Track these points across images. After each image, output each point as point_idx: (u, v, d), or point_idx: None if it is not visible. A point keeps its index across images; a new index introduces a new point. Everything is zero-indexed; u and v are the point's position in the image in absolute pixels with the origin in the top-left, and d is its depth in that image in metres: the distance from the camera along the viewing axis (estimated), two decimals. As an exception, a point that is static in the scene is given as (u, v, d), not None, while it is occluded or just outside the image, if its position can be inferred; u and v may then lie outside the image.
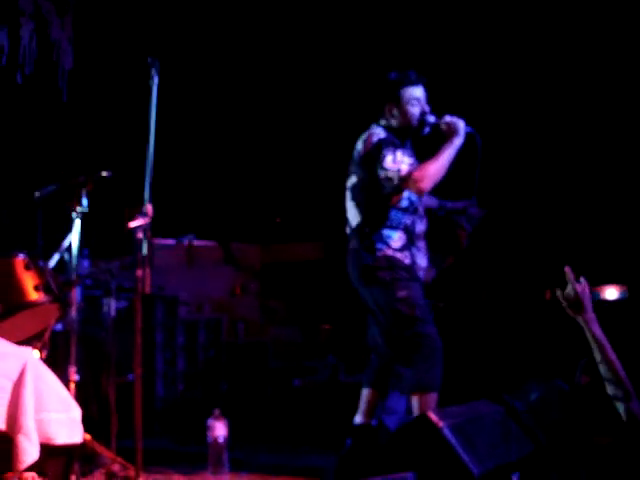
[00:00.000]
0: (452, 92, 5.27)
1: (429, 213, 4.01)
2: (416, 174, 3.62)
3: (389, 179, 3.65)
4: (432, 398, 3.63)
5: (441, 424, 3.08)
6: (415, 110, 3.79)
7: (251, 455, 4.63)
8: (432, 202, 4.06)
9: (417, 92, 3.80)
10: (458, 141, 3.70)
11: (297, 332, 6.63)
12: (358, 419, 3.92)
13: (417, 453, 3.15)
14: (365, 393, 3.93)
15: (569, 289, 2.83)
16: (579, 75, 6.02)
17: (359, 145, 3.83)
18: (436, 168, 3.66)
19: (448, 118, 3.75)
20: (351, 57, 6.67)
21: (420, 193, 3.70)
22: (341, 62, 6.80)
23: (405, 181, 3.63)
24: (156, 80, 3.59)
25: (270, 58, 7.05)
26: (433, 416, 3.11)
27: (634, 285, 6.79)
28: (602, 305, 6.92)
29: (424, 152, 3.82)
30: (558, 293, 2.96)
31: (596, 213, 6.30)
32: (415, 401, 3.63)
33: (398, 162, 3.65)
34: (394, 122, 3.83)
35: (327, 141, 6.81)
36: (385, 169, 3.66)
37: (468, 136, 3.77)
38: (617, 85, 5.95)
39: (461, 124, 3.72)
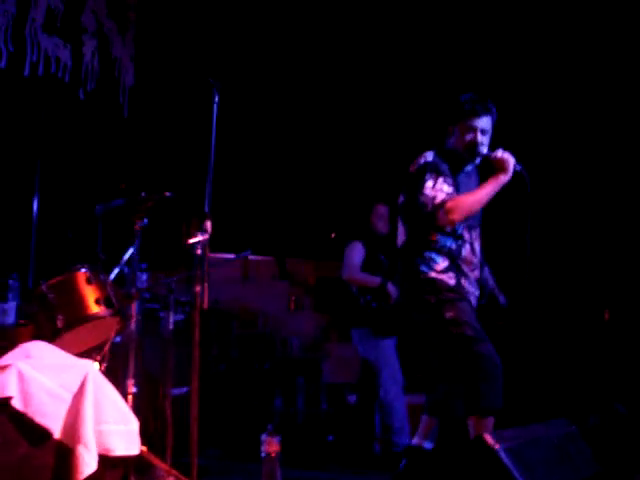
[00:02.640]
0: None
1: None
2: (449, 204, 3.58)
3: (424, 205, 3.63)
4: (489, 421, 3.55)
5: (497, 446, 3.04)
6: (471, 138, 3.73)
7: (303, 472, 4.63)
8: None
9: (480, 122, 3.73)
10: (504, 178, 3.65)
11: (350, 348, 6.60)
12: (415, 440, 3.89)
13: (474, 476, 3.11)
14: (424, 418, 3.90)
15: None
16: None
17: (411, 165, 3.82)
18: (472, 202, 3.64)
19: (500, 153, 3.68)
20: (417, 78, 6.70)
21: (450, 224, 3.64)
22: (405, 82, 6.83)
23: (438, 209, 3.60)
24: (217, 99, 3.65)
25: (331, 77, 7.10)
26: (489, 438, 3.07)
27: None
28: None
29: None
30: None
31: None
32: (472, 424, 3.56)
33: (437, 189, 3.62)
34: (450, 145, 3.81)
35: (384, 159, 6.83)
36: (423, 194, 3.64)
37: (516, 175, 3.70)
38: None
39: (511, 161, 3.66)
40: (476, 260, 3.84)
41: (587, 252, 6.43)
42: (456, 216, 3.59)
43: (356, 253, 5.33)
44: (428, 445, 3.84)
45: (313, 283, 7.37)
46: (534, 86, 6.45)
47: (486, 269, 4.08)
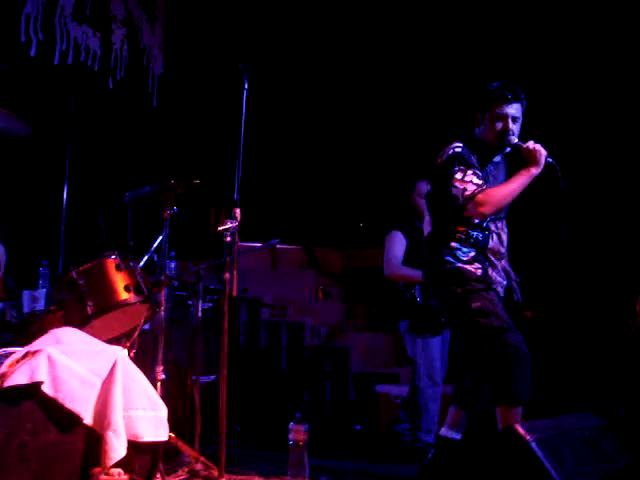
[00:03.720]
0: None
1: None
2: (480, 197, 3.53)
3: (455, 197, 3.59)
4: (517, 411, 3.51)
5: (528, 437, 3.01)
6: (502, 126, 3.67)
7: (331, 460, 4.63)
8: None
9: (510, 109, 3.67)
10: (535, 171, 3.59)
11: (379, 338, 6.60)
12: (443, 430, 3.87)
13: (503, 466, 3.08)
14: (452, 409, 3.87)
15: None
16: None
17: (438, 156, 3.79)
18: (503, 194, 3.58)
19: (532, 144, 3.62)
20: (444, 68, 6.65)
21: (481, 217, 3.60)
22: (432, 71, 6.78)
23: (468, 202, 3.55)
24: (246, 86, 3.64)
25: (358, 66, 7.07)
26: (520, 429, 3.03)
27: None
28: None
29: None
30: None
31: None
32: (500, 414, 3.52)
33: (466, 181, 3.57)
34: (479, 134, 3.76)
35: (413, 148, 6.79)
36: (453, 185, 3.60)
37: (548, 167, 3.65)
38: None
39: (543, 153, 3.60)
40: (503, 250, 3.80)
41: (622, 246, 6.35)
42: (487, 209, 3.55)
43: (397, 245, 5.02)
44: (456, 436, 3.82)
45: (341, 272, 7.37)
46: (563, 79, 6.37)
47: (505, 262, 4.02)
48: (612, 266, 6.27)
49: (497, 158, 3.81)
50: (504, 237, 3.82)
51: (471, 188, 3.55)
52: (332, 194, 7.47)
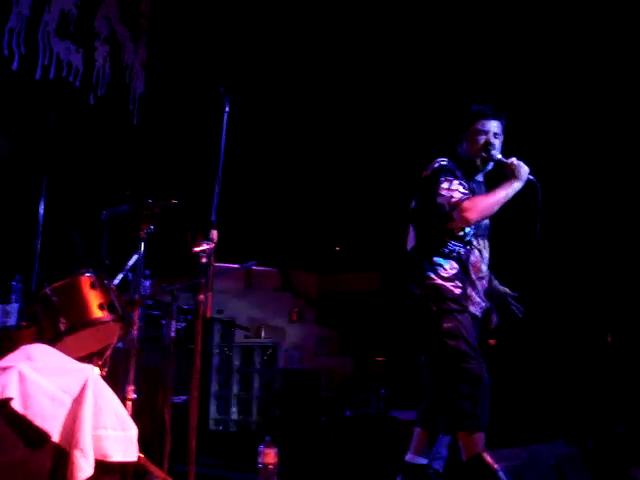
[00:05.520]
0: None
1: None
2: (466, 204, 3.59)
3: (441, 205, 3.64)
4: (479, 438, 3.53)
5: (496, 466, 3.02)
6: (484, 140, 3.77)
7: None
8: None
9: (490, 125, 3.78)
10: (517, 185, 3.66)
11: (351, 363, 6.60)
12: (409, 456, 3.86)
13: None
14: (417, 431, 3.88)
15: None
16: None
17: (424, 170, 3.84)
18: (487, 203, 3.64)
19: (514, 160, 3.70)
20: (424, 88, 6.71)
21: (466, 224, 3.64)
22: (406, 95, 6.85)
23: (454, 208, 3.60)
24: (227, 109, 3.66)
25: (339, 89, 7.12)
26: (488, 457, 3.04)
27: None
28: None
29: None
30: None
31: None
32: (461, 440, 3.55)
33: (452, 189, 3.63)
34: (462, 153, 3.83)
35: (389, 173, 6.84)
36: (440, 194, 3.65)
37: (530, 184, 3.71)
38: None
39: (525, 169, 3.67)
40: (485, 269, 3.84)
41: (590, 273, 6.42)
42: (473, 215, 3.60)
43: None
44: (421, 460, 3.81)
45: (316, 296, 7.38)
46: (541, 96, 6.46)
47: (495, 280, 4.05)
48: (584, 296, 6.33)
49: (479, 177, 3.87)
50: (486, 255, 3.86)
51: (457, 195, 3.62)
52: (309, 217, 7.50)
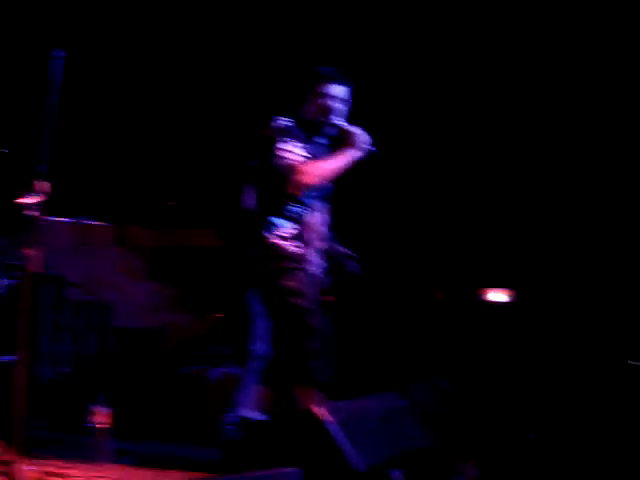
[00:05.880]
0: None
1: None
2: (303, 167, 3.61)
3: (278, 166, 3.64)
4: (317, 392, 3.61)
5: (326, 419, 3.10)
6: (326, 104, 3.77)
7: (136, 445, 4.54)
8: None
9: (336, 90, 3.78)
10: (355, 153, 3.70)
11: (191, 319, 6.55)
12: (248, 412, 3.89)
13: (302, 448, 3.15)
14: (255, 388, 3.91)
15: None
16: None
17: (264, 129, 3.81)
18: (324, 169, 3.67)
19: (355, 128, 3.74)
20: (263, 42, 6.65)
21: (303, 187, 3.66)
22: (249, 47, 6.77)
23: (291, 171, 3.62)
24: (59, 64, 3.48)
25: (176, 39, 6.95)
26: (319, 410, 3.12)
27: (520, 288, 7.05)
28: (489, 307, 7.16)
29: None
30: None
31: (487, 218, 6.50)
32: (299, 395, 3.61)
33: (291, 152, 3.64)
34: (306, 114, 3.83)
35: (227, 128, 6.78)
36: (278, 155, 3.65)
37: (370, 158, 3.76)
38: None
39: (362, 139, 3.72)
40: (324, 231, 3.88)
41: (421, 230, 6.67)
42: (309, 179, 3.62)
43: None
44: (257, 416, 3.86)
45: (151, 251, 7.22)
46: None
47: (333, 240, 4.11)
48: (415, 255, 6.58)
49: (322, 140, 3.87)
50: (325, 217, 3.89)
51: (296, 158, 3.62)
52: (144, 172, 7.31)
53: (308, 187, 3.67)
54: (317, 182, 3.68)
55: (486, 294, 7.17)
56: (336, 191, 3.95)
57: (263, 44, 6.81)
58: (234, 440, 3.94)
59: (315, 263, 3.81)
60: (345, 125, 3.78)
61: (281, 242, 3.71)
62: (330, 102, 3.78)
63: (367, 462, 3.04)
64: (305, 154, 3.68)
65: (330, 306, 4.41)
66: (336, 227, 4.08)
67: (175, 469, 4.09)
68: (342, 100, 3.81)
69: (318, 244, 3.84)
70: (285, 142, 3.66)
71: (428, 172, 6.73)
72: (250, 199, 3.89)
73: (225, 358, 5.64)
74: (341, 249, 4.11)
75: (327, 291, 4.20)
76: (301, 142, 3.72)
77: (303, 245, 3.75)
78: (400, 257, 6.52)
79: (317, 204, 3.83)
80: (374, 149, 3.77)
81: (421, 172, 6.70)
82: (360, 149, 3.71)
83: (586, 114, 6.53)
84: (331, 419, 3.09)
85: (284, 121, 3.76)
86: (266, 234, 3.72)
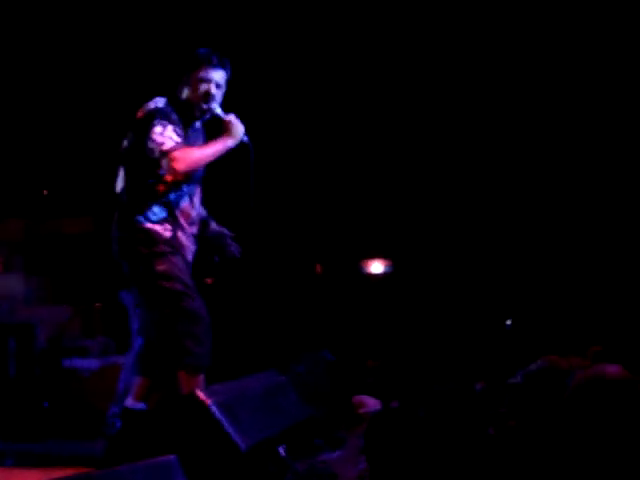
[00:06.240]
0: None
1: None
2: (176, 153, 3.54)
3: (151, 150, 3.58)
4: (199, 377, 3.59)
5: (209, 401, 3.10)
6: (205, 89, 3.70)
7: (16, 444, 4.41)
8: (203, 214, 4.02)
9: (216, 75, 3.71)
10: (230, 142, 3.67)
11: (66, 311, 6.37)
12: (129, 402, 3.83)
13: (188, 433, 3.14)
14: (136, 379, 3.84)
15: None
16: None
17: (139, 110, 3.73)
18: (198, 156, 3.64)
19: (231, 117, 3.70)
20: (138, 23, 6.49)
21: (173, 174, 3.60)
22: (122, 28, 6.59)
23: (163, 156, 3.55)
24: None
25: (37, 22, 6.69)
26: (201, 394, 3.12)
27: (398, 259, 7.23)
28: (369, 279, 7.31)
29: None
30: None
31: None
32: (181, 380, 3.58)
33: (165, 136, 3.56)
34: (183, 96, 3.76)
35: (98, 112, 6.61)
36: (151, 139, 3.57)
37: (243, 146, 3.74)
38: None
39: (239, 129, 3.69)
40: (195, 215, 3.83)
41: (301, 207, 6.73)
42: (181, 166, 3.55)
43: None
44: (140, 406, 3.80)
45: (23, 241, 6.97)
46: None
47: (213, 223, 4.07)
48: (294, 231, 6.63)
49: (197, 124, 3.83)
50: (196, 201, 3.84)
51: (169, 143, 3.55)
52: (17, 159, 7.03)
53: (181, 173, 3.61)
54: (190, 169, 3.63)
55: (365, 266, 7.31)
56: (213, 171, 3.93)
57: (138, 23, 6.63)
58: (117, 432, 3.89)
59: (185, 247, 3.75)
60: (222, 113, 3.73)
61: (151, 225, 3.65)
62: (210, 88, 3.71)
63: (248, 442, 3.06)
64: (179, 139, 3.60)
65: (208, 288, 4.40)
66: (214, 206, 4.07)
67: (60, 466, 3.99)
68: (220, 86, 3.75)
69: (188, 228, 3.78)
70: (161, 125, 3.58)
71: (307, 150, 6.77)
72: (121, 182, 3.81)
73: (104, 348, 5.52)
74: (219, 229, 4.09)
75: (205, 273, 4.18)
76: (177, 126, 3.64)
77: (173, 228, 3.70)
78: (278, 234, 6.55)
79: (187, 188, 3.77)
80: (247, 140, 3.75)
81: (300, 150, 6.74)
82: (235, 138, 3.68)
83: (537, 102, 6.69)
84: (211, 402, 3.09)
85: (161, 104, 3.68)
86: (138, 218, 3.65)
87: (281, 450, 3.29)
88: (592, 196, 6.58)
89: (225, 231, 4.08)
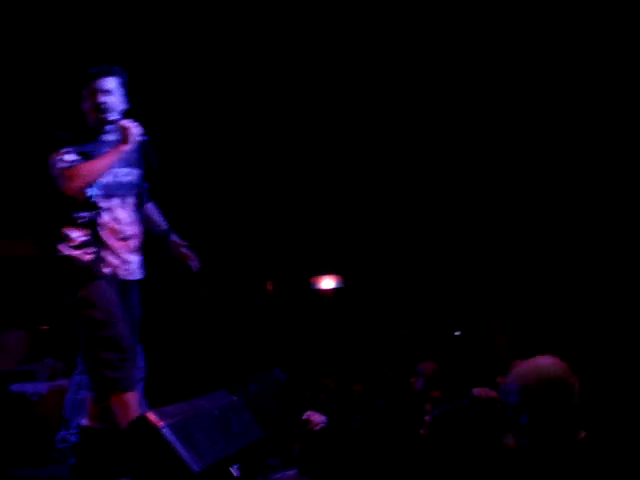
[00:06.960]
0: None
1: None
2: (69, 172, 3.59)
3: (54, 177, 3.63)
4: (130, 400, 3.56)
5: (161, 424, 3.07)
6: (100, 102, 3.72)
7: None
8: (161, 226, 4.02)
9: (107, 84, 3.74)
10: (124, 146, 3.68)
11: (12, 334, 6.26)
12: (84, 421, 3.78)
13: (140, 456, 3.10)
14: (89, 397, 3.81)
15: None
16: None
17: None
18: (90, 169, 3.63)
19: (124, 122, 3.70)
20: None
21: (74, 192, 3.61)
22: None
23: (59, 178, 3.60)
24: None
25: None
26: (152, 417, 3.08)
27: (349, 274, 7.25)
28: (320, 295, 7.32)
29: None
30: None
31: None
32: (114, 406, 3.55)
33: (63, 160, 3.61)
34: (83, 109, 3.77)
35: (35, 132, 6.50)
36: (54, 166, 3.63)
37: (144, 144, 3.75)
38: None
39: (133, 131, 3.68)
40: (128, 229, 3.78)
41: (249, 225, 6.71)
42: (75, 183, 3.57)
43: None
44: (100, 425, 3.75)
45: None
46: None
47: (173, 236, 4.05)
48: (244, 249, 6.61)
49: (108, 137, 3.78)
50: (127, 215, 3.79)
51: (62, 165, 3.59)
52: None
53: (76, 189, 3.60)
54: (86, 184, 3.62)
55: (316, 282, 7.32)
56: (161, 187, 3.91)
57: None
58: (69, 455, 3.83)
59: (116, 265, 3.71)
60: (119, 119, 3.72)
61: (70, 252, 3.64)
62: (103, 97, 3.72)
63: (202, 464, 3.03)
64: (75, 158, 3.62)
65: (164, 308, 4.37)
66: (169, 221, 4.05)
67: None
68: (110, 91, 3.75)
69: (121, 244, 3.74)
70: (59, 153, 3.62)
71: (257, 169, 6.76)
72: (46, 212, 3.83)
73: (52, 371, 5.42)
74: (175, 240, 4.06)
75: (158, 293, 4.15)
76: (76, 146, 3.65)
77: (96, 250, 3.67)
78: (228, 252, 6.53)
79: (109, 202, 3.73)
80: (145, 139, 3.74)
81: (251, 169, 6.72)
82: (130, 142, 3.67)
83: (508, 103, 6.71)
84: (163, 424, 3.06)
85: (60, 132, 3.70)
86: (57, 246, 3.65)
87: (234, 470, 3.28)
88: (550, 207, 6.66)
89: (180, 241, 4.06)
